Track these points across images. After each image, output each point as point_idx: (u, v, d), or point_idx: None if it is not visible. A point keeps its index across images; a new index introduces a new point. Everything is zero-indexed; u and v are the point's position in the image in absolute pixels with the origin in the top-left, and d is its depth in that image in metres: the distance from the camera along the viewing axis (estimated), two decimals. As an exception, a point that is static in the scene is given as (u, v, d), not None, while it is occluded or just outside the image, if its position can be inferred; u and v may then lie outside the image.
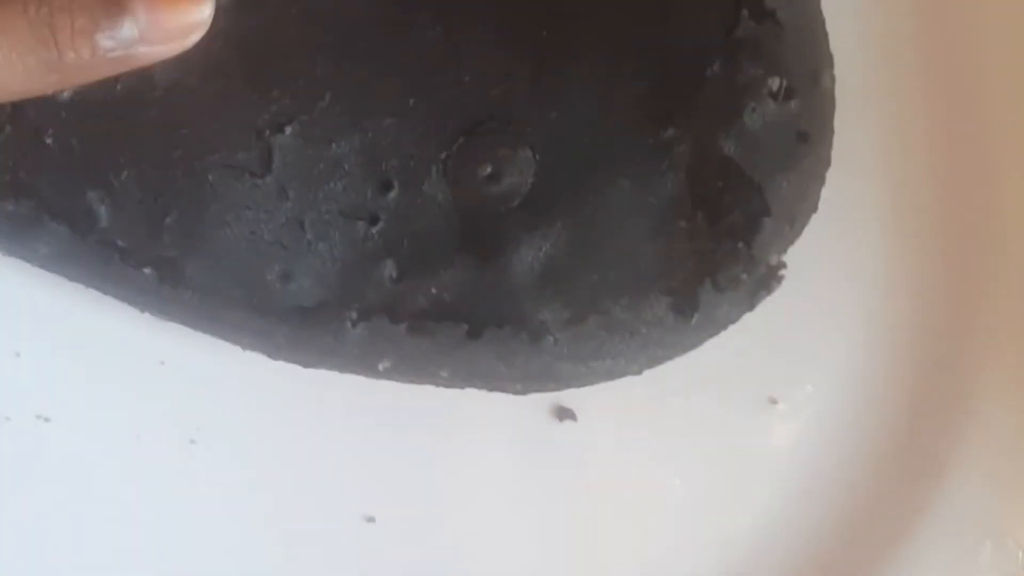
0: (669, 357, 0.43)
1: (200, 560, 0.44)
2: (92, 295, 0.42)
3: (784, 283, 0.43)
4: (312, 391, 0.44)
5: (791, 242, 0.43)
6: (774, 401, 0.47)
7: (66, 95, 0.39)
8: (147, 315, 0.42)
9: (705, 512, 0.46)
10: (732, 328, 0.43)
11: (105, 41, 0.36)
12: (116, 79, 0.39)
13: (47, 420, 0.43)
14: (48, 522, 0.43)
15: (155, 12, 0.36)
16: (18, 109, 0.39)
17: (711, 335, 0.43)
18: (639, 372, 0.43)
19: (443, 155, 0.41)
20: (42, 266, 0.41)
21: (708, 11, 0.42)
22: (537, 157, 0.42)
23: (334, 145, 0.41)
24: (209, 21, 0.37)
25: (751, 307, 0.43)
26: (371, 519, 0.45)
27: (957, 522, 0.46)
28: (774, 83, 0.42)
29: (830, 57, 0.43)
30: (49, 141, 0.39)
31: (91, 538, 0.43)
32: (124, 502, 0.43)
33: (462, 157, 0.41)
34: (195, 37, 0.37)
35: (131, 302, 0.42)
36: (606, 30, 0.42)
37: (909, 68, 0.46)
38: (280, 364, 0.43)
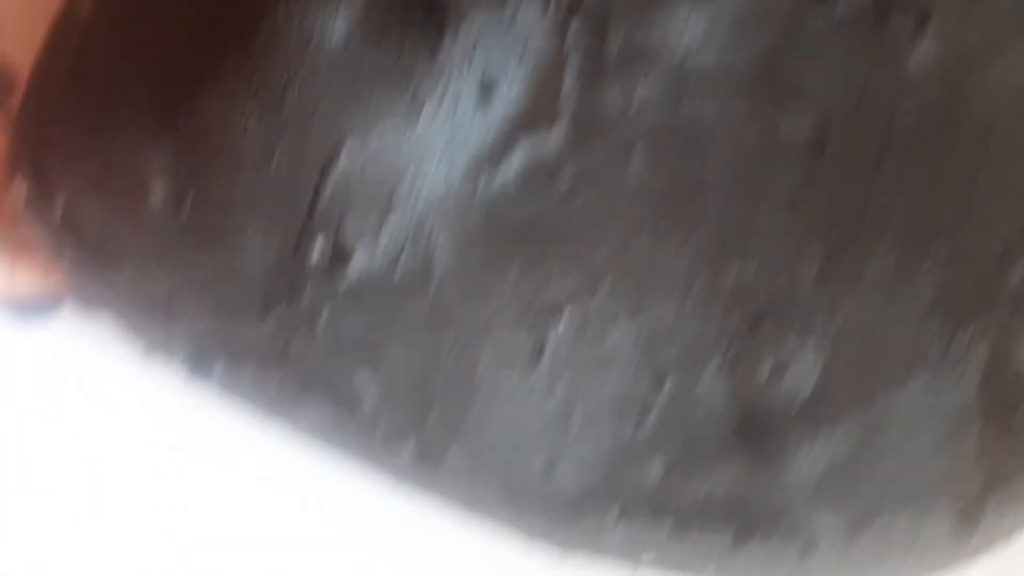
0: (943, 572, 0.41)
1: None
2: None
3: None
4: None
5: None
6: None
7: (343, 285, 0.37)
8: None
9: None
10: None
11: None
12: (395, 264, 0.37)
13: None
14: None
15: None
16: (295, 290, 0.37)
17: (988, 552, 0.41)
18: (910, 587, 0.41)
19: (723, 347, 0.39)
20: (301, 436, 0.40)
21: (1014, 208, 0.39)
22: (823, 354, 0.39)
23: (610, 334, 0.38)
24: None
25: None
26: None
27: None
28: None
29: None
30: (322, 322, 0.38)
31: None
32: None
33: (744, 350, 0.39)
34: None
35: (384, 479, 0.40)
36: (903, 224, 0.38)
37: None
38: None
